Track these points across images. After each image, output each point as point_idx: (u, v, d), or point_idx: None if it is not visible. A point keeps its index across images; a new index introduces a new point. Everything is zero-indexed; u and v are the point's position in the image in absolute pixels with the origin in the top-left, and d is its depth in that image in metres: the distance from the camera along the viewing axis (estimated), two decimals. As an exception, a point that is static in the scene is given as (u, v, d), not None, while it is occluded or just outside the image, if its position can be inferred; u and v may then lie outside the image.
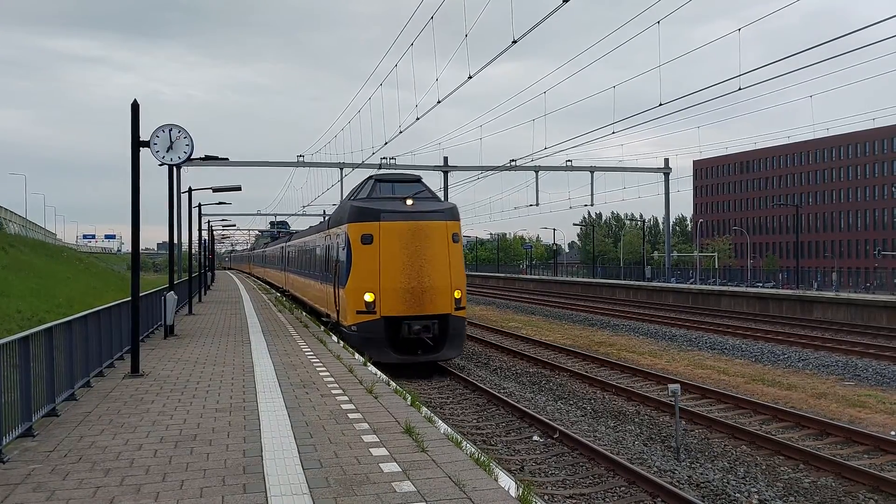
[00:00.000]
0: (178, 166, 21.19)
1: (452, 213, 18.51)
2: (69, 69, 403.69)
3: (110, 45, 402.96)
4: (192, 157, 13.99)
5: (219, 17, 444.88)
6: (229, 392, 10.87)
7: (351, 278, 18.08)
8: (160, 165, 13.97)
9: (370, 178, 20.44)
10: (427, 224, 17.82)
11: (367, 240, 17.72)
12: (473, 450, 7.53)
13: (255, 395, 10.59)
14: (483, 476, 6.56)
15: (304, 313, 26.75)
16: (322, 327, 20.63)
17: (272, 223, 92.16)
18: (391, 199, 18.64)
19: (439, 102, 27.48)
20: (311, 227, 34.29)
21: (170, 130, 13.29)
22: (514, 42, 19.16)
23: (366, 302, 17.53)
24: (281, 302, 33.32)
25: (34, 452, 7.54)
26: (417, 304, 17.45)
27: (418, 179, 20.27)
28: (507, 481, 6.49)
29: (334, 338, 18.39)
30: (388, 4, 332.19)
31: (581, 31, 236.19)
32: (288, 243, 41.07)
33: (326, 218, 26.76)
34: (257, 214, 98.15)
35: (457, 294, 17.89)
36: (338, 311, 19.93)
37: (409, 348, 17.59)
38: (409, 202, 18.13)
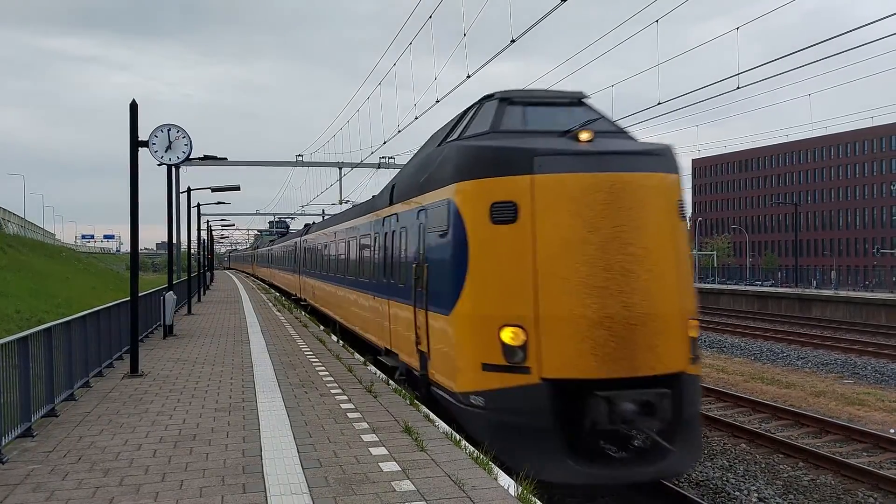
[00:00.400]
0: (177, 166, 21.20)
1: (672, 161, 8.95)
2: (67, 68, 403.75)
3: (108, 44, 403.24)
4: (190, 156, 14.01)
5: (217, 15, 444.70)
6: (228, 392, 10.87)
7: (466, 294, 8.75)
8: (159, 165, 13.99)
9: (488, 97, 10.57)
10: (633, 179, 8.35)
11: (504, 213, 8.44)
12: (472, 449, 7.53)
13: (255, 394, 10.59)
14: (482, 475, 6.56)
15: (303, 313, 26.50)
16: (390, 381, 11.66)
17: (271, 222, 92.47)
18: (538, 133, 9.41)
19: (438, 101, 27.41)
20: (344, 210, 23.31)
21: (168, 130, 13.30)
22: (513, 41, 19.13)
23: (504, 345, 8.23)
24: (280, 301, 33.29)
25: (33, 453, 7.54)
26: (624, 354, 7.98)
27: (580, 100, 10.42)
28: (506, 480, 6.49)
29: (334, 337, 18.20)
30: (386, 2, 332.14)
31: (579, 30, 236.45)
32: (305, 236, 30.93)
33: (390, 186, 13.83)
34: (256, 214, 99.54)
35: (692, 330, 8.56)
36: (425, 356, 10.28)
37: (603, 450, 8.23)
38: (585, 136, 8.79)
